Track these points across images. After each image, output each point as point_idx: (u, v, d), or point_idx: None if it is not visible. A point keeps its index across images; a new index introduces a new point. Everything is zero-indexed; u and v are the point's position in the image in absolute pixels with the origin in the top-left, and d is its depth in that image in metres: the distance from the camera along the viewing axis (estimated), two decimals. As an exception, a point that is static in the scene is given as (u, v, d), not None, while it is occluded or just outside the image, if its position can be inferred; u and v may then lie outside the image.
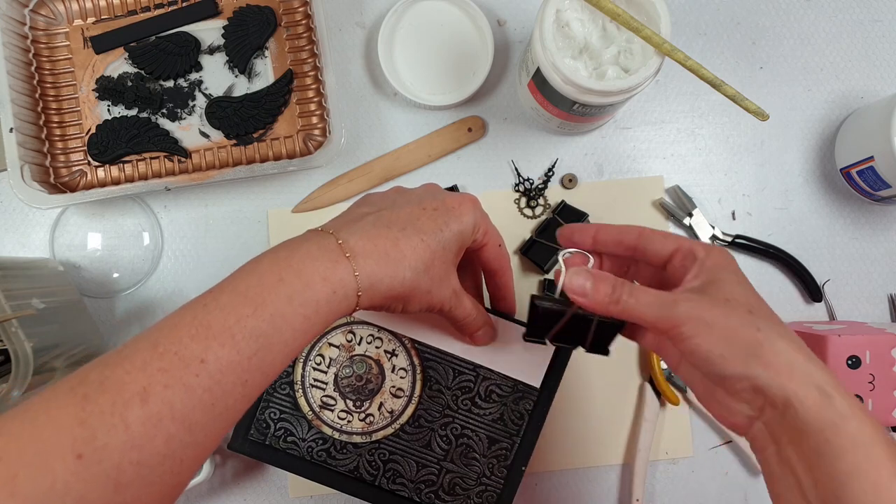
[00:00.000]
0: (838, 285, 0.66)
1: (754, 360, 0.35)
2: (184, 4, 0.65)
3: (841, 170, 0.65)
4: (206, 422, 0.33)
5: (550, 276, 0.64)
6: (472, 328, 0.48)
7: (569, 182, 0.66)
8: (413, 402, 0.51)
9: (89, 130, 0.64)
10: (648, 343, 0.44)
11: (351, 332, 0.52)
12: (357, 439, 0.51)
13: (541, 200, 0.65)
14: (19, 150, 0.59)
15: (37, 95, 0.63)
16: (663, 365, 0.63)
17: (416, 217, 0.41)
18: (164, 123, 0.64)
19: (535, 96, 0.59)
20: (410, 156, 0.65)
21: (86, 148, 0.64)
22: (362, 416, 0.51)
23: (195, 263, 0.65)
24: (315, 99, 0.64)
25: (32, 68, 0.63)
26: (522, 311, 0.53)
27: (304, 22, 0.65)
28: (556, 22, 0.52)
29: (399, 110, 0.66)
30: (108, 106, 0.64)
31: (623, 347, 0.64)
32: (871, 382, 0.59)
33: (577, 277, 0.40)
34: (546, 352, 0.51)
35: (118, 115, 0.64)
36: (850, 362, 0.59)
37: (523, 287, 0.65)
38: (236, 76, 0.65)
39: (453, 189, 0.65)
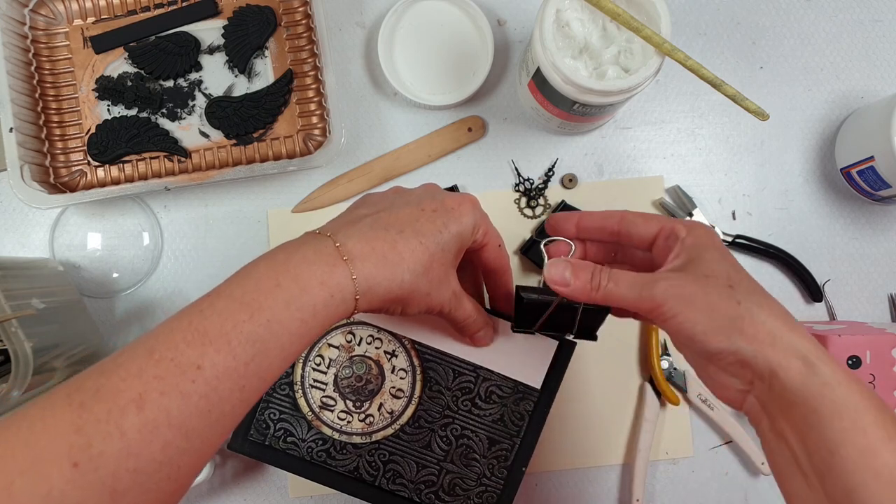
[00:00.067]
0: (838, 285, 0.66)
1: (736, 333, 0.35)
2: (184, 4, 0.65)
3: (841, 170, 0.65)
4: (203, 428, 0.33)
5: None
6: (472, 330, 0.48)
7: (569, 182, 0.65)
8: (413, 402, 0.51)
9: (89, 130, 0.64)
10: (647, 319, 0.44)
11: (350, 332, 0.52)
12: (357, 440, 0.51)
13: (541, 200, 0.65)
14: (19, 150, 0.59)
15: (37, 95, 0.63)
16: (664, 364, 0.63)
17: (415, 219, 0.41)
18: (164, 123, 0.64)
19: (535, 96, 0.59)
20: (410, 156, 0.65)
21: (86, 148, 0.64)
22: (362, 416, 0.51)
23: (195, 263, 0.65)
24: (315, 99, 0.64)
25: (32, 68, 0.63)
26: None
27: (304, 22, 0.65)
28: (556, 22, 0.52)
29: (399, 110, 0.66)
30: (108, 106, 0.64)
31: (623, 347, 0.64)
32: (871, 382, 0.59)
33: (556, 268, 0.40)
34: (546, 353, 0.51)
35: (118, 115, 0.64)
36: (850, 362, 0.59)
37: (523, 287, 0.65)
38: (236, 76, 0.65)
39: (453, 189, 0.65)
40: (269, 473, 0.64)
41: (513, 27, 0.67)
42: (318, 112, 0.64)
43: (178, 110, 0.64)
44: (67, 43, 0.64)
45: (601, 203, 0.65)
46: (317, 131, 0.64)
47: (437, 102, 0.64)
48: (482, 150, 0.66)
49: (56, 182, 0.62)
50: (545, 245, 0.45)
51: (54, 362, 0.55)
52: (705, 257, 0.38)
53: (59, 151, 0.63)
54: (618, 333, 0.64)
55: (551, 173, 0.66)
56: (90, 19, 0.64)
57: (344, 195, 0.65)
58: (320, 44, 0.61)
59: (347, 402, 0.51)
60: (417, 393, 0.51)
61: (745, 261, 0.66)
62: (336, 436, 0.51)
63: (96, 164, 0.64)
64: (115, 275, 0.65)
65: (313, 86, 0.64)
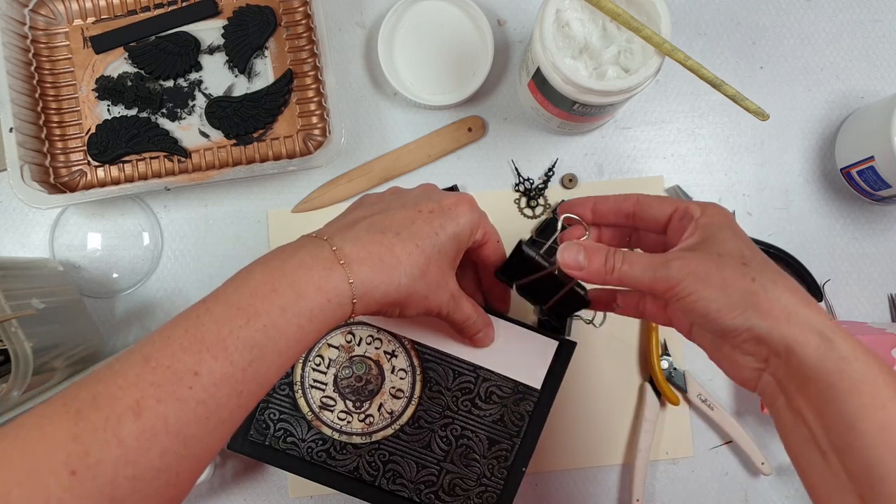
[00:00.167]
0: (838, 285, 0.66)
1: (752, 309, 0.35)
2: (184, 4, 0.64)
3: (841, 170, 0.65)
4: (202, 434, 0.33)
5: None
6: (472, 331, 0.48)
7: (569, 182, 0.65)
8: (413, 402, 0.51)
9: (89, 130, 0.64)
10: (656, 317, 0.44)
11: (350, 332, 0.52)
12: (357, 440, 0.51)
13: (541, 200, 0.65)
14: (19, 150, 0.59)
15: (37, 95, 0.63)
16: (664, 364, 0.63)
17: (412, 220, 0.41)
18: (164, 123, 0.64)
19: (535, 96, 0.59)
20: (410, 156, 0.65)
21: (86, 148, 0.64)
22: (362, 416, 0.51)
23: (195, 263, 0.65)
24: (315, 99, 0.64)
25: (32, 68, 0.63)
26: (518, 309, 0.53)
27: (304, 22, 0.65)
28: (556, 22, 0.52)
29: (399, 110, 0.66)
30: (108, 106, 0.64)
31: (623, 347, 0.64)
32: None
33: (569, 251, 0.40)
34: (546, 353, 0.51)
35: (118, 115, 0.64)
36: (850, 362, 0.59)
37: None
38: (236, 76, 0.65)
39: (453, 189, 0.65)
40: (269, 473, 0.64)
41: (513, 27, 0.67)
42: (318, 112, 0.64)
43: (178, 110, 0.64)
44: (67, 43, 0.64)
45: (601, 203, 0.65)
46: (317, 131, 0.64)
47: (437, 102, 0.64)
48: (482, 150, 0.66)
49: (56, 182, 0.62)
50: (563, 220, 0.45)
51: (54, 362, 0.55)
52: (719, 236, 0.38)
53: (59, 151, 0.63)
54: (618, 333, 0.64)
55: (551, 173, 0.66)
56: (90, 19, 0.64)
57: (344, 195, 0.65)
58: (320, 44, 0.61)
59: (347, 402, 0.51)
60: (417, 393, 0.51)
61: (745, 261, 0.66)
62: (336, 436, 0.51)
63: (96, 164, 0.64)
64: (115, 275, 0.65)
65: (313, 86, 0.64)
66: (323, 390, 0.52)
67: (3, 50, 0.59)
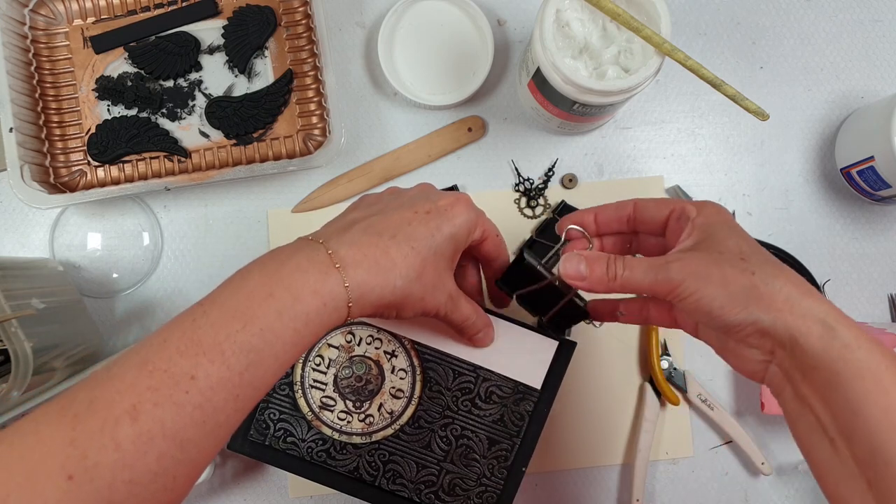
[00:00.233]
0: (838, 285, 0.66)
1: (754, 303, 0.35)
2: (184, 4, 0.65)
3: (841, 170, 0.65)
4: (199, 438, 0.33)
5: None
6: (471, 331, 0.48)
7: (569, 182, 0.65)
8: (413, 402, 0.51)
9: (89, 130, 0.64)
10: (660, 320, 0.45)
11: (350, 332, 0.52)
12: (357, 440, 0.51)
13: (541, 200, 0.65)
14: (19, 150, 0.59)
15: (37, 95, 0.63)
16: (664, 364, 0.63)
17: (408, 222, 0.41)
18: (164, 123, 0.64)
19: (535, 96, 0.59)
20: (410, 156, 0.65)
21: (86, 148, 0.64)
22: (362, 416, 0.51)
23: (195, 263, 0.65)
24: (315, 99, 0.64)
25: (32, 68, 0.63)
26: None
27: (304, 22, 0.65)
28: (556, 22, 0.52)
29: (399, 110, 0.66)
30: (108, 106, 0.64)
31: (623, 347, 0.64)
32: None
33: (570, 262, 0.41)
34: (546, 353, 0.51)
35: (118, 115, 0.64)
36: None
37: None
38: (236, 76, 0.65)
39: (453, 189, 0.65)
40: (269, 473, 0.64)
41: (513, 27, 0.67)
42: (318, 112, 0.64)
43: (178, 110, 0.64)
44: (67, 43, 0.64)
45: (601, 203, 0.65)
46: (317, 131, 0.64)
47: (437, 102, 0.64)
48: (482, 150, 0.66)
49: (56, 182, 0.62)
50: (567, 233, 0.45)
51: (54, 362, 0.55)
52: (717, 234, 0.39)
53: (59, 151, 0.63)
54: (618, 333, 0.64)
55: (551, 173, 0.66)
56: (90, 19, 0.64)
57: (344, 195, 0.65)
58: (320, 44, 0.61)
59: (347, 402, 0.51)
60: (417, 393, 0.51)
61: (745, 261, 0.66)
62: (336, 436, 0.51)
63: (96, 164, 0.64)
64: (115, 275, 0.65)
65: (313, 86, 0.64)
66: (323, 390, 0.52)
67: (3, 50, 0.59)
